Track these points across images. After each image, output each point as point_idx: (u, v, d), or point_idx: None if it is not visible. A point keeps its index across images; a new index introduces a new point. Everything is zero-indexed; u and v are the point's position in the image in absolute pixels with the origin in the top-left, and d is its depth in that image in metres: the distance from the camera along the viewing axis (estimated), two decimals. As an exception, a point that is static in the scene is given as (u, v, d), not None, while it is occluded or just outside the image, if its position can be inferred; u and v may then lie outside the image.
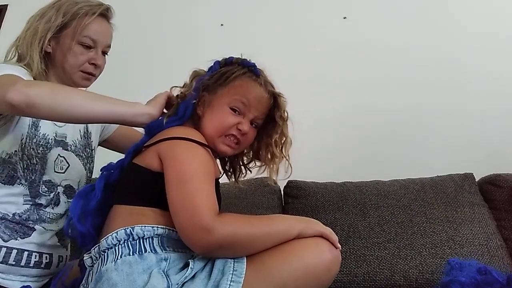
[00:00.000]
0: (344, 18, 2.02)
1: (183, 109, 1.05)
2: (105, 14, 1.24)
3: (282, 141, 1.13)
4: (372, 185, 1.69)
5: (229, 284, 0.84)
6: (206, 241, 0.84)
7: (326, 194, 1.66)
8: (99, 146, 1.39)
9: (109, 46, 1.27)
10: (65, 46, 1.18)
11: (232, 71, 1.07)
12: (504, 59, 1.95)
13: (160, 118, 1.09)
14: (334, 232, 1.50)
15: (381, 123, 1.96)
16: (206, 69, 1.14)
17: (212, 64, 1.10)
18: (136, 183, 0.98)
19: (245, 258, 0.89)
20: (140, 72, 2.04)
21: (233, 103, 1.05)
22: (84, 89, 1.26)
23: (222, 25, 2.06)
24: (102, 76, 1.99)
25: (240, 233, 0.88)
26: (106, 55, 1.28)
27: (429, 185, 1.66)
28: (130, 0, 2.09)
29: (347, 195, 1.65)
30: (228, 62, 1.10)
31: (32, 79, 1.13)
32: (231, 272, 0.86)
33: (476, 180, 1.71)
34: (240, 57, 1.11)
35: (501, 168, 1.72)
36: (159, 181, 0.92)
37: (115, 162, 1.08)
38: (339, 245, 0.95)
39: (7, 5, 2.13)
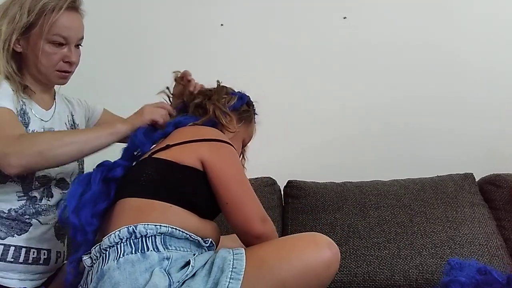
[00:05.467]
0: (344, 18, 2.02)
1: (213, 122, 1.16)
2: (72, 6, 1.15)
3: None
4: (372, 185, 1.69)
5: (229, 281, 0.84)
6: (263, 229, 0.98)
7: (326, 194, 1.66)
8: None
9: (82, 38, 1.19)
10: (36, 46, 1.12)
11: (252, 116, 1.28)
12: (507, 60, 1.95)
13: (185, 118, 1.16)
14: (334, 232, 1.55)
15: (381, 123, 1.96)
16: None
17: (242, 95, 1.26)
18: (157, 177, 0.99)
19: (245, 255, 0.89)
20: (140, 72, 2.03)
21: (246, 140, 1.27)
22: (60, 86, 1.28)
23: (222, 25, 2.05)
24: (102, 76, 2.00)
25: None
26: (80, 47, 1.21)
27: (429, 185, 1.66)
28: (130, 0, 2.10)
29: (347, 195, 1.65)
30: (249, 103, 1.29)
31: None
32: (231, 269, 0.86)
33: (476, 180, 1.71)
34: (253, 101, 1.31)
35: (501, 168, 1.72)
36: (188, 176, 0.99)
37: (109, 159, 1.09)
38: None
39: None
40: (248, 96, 1.29)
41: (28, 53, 1.15)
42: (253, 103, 1.30)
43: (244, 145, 1.28)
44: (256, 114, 1.32)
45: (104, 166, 1.05)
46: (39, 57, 1.13)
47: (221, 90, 1.23)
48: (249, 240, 0.98)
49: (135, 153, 1.11)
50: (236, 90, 1.28)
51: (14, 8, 1.11)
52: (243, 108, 1.24)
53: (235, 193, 0.99)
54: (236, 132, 1.19)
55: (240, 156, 1.29)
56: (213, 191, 1.00)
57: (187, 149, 1.02)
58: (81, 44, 1.21)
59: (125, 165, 1.07)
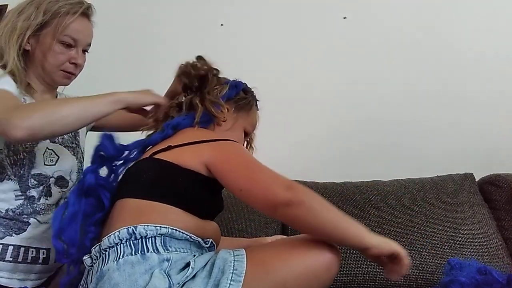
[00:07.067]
0: (344, 18, 2.02)
1: (209, 116, 1.13)
2: (86, 13, 1.22)
3: None
4: (372, 185, 1.69)
5: (229, 283, 0.84)
6: (289, 195, 0.89)
7: (326, 194, 1.65)
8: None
9: (90, 45, 1.26)
10: (45, 45, 1.17)
11: (252, 103, 1.24)
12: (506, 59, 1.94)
13: (183, 118, 1.13)
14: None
15: (381, 123, 1.96)
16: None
17: (236, 83, 1.22)
18: (158, 179, 0.98)
19: (245, 257, 0.89)
20: (139, 71, 2.03)
21: (247, 128, 1.22)
22: (63, 87, 1.29)
23: (222, 25, 2.06)
24: (102, 76, 2.00)
25: (312, 200, 0.92)
26: (86, 53, 1.26)
27: (429, 185, 1.66)
28: (130, 1, 2.10)
29: (347, 195, 1.65)
30: (246, 89, 1.25)
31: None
32: (231, 271, 0.85)
33: (476, 180, 1.71)
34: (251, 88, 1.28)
35: (501, 168, 1.71)
36: (189, 179, 0.98)
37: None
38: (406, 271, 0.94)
39: (7, 5, 2.12)
40: (245, 83, 1.25)
41: (36, 51, 1.18)
42: (251, 90, 1.27)
43: (247, 134, 1.24)
44: (258, 100, 1.28)
45: (78, 182, 1.04)
46: (46, 56, 1.17)
47: (211, 81, 1.20)
48: (279, 212, 0.90)
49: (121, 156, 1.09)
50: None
51: (31, 8, 1.17)
52: (238, 96, 1.21)
53: (245, 177, 0.95)
54: (234, 121, 1.18)
55: (248, 147, 1.27)
56: (226, 187, 0.98)
57: (189, 151, 1.01)
58: (88, 50, 1.26)
59: (93, 169, 1.03)
